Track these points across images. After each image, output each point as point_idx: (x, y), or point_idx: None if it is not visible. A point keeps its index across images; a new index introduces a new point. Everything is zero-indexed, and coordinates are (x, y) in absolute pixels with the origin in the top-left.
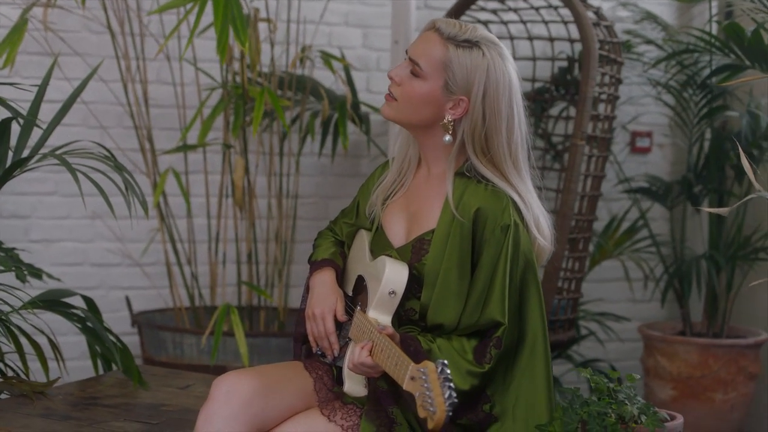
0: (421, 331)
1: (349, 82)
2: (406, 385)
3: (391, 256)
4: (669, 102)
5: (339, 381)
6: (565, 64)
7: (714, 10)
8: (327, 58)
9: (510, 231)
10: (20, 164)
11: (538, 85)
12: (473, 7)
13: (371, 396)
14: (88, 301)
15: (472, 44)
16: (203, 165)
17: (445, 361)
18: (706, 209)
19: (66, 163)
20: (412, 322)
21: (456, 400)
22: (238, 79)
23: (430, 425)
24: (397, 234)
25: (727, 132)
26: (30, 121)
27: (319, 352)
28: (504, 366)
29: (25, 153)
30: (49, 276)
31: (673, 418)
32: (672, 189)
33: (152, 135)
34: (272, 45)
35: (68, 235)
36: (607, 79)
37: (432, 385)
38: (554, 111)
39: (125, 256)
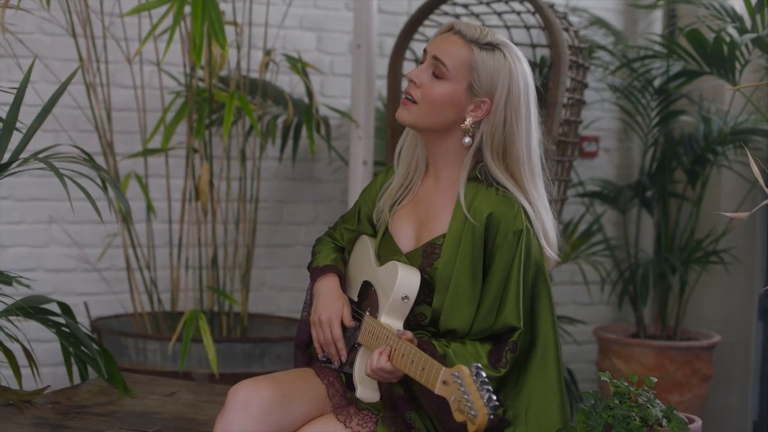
0: (431, 336)
1: (307, 87)
2: (438, 390)
3: (400, 261)
4: (623, 106)
5: (348, 387)
6: None
7: (659, 19)
8: (294, 62)
9: (522, 236)
10: (2, 169)
11: None
12: (436, 11)
13: (387, 401)
14: (64, 307)
15: (493, 47)
16: (164, 169)
17: (479, 365)
18: (726, 213)
19: (53, 167)
20: (422, 327)
21: (497, 403)
22: (200, 83)
23: (471, 429)
24: (406, 239)
25: (681, 136)
26: (11, 124)
27: (325, 359)
28: (516, 370)
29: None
30: (18, 282)
31: (691, 421)
32: (623, 193)
33: (113, 139)
34: (238, 48)
35: (22, 240)
36: (574, 84)
37: (469, 388)
38: None
39: (80, 261)
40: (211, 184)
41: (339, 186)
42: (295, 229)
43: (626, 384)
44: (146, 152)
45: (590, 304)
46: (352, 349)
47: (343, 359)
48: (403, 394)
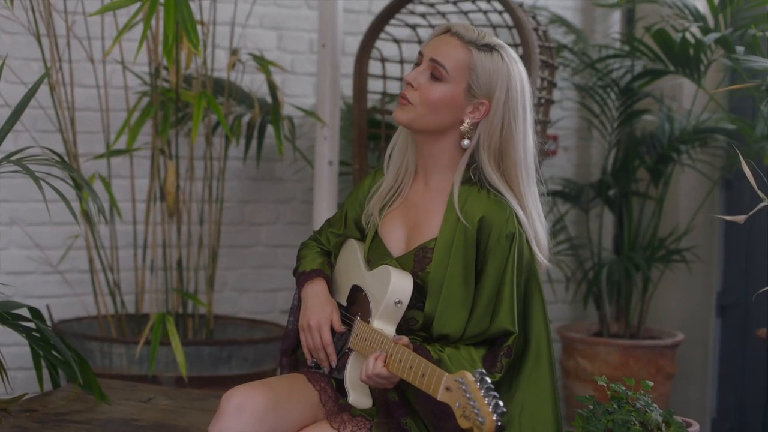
0: (423, 341)
1: (272, 87)
2: (441, 396)
3: (391, 266)
4: (587, 105)
5: (340, 392)
6: None
7: (618, 17)
8: (260, 62)
9: (515, 239)
10: None
11: None
12: (403, 10)
13: (381, 407)
14: (34, 311)
15: (491, 48)
16: (126, 169)
17: (483, 370)
18: (724, 217)
19: (27, 170)
20: (413, 332)
21: (504, 409)
22: (165, 83)
23: None
24: (397, 243)
25: (643, 135)
26: None
27: (313, 364)
28: (509, 375)
29: None
30: None
31: (689, 425)
32: (584, 191)
33: (77, 139)
34: (205, 47)
35: None
36: (544, 83)
37: (474, 395)
38: None
39: (41, 263)
40: (177, 184)
41: (300, 186)
42: (257, 229)
43: (624, 388)
44: (111, 153)
45: (553, 303)
46: (342, 354)
47: (333, 365)
48: (397, 400)
